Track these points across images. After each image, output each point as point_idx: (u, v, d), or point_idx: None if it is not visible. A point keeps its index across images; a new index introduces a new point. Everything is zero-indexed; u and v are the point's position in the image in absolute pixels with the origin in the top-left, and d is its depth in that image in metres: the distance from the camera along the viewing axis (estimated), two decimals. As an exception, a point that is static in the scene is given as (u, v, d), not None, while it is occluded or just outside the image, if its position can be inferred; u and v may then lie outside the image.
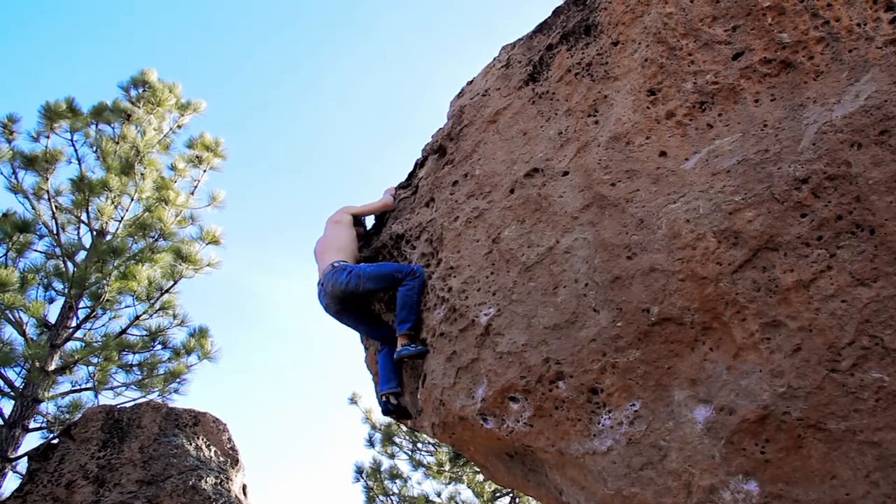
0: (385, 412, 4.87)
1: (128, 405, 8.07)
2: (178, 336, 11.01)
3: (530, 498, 4.62)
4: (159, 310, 10.87)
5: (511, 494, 12.44)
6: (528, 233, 3.99)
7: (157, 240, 11.07)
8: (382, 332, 4.97)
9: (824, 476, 2.79)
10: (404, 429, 12.91)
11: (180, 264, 10.79)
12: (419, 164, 5.55)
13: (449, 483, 12.95)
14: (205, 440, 7.94)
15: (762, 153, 3.19)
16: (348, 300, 4.84)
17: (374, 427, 13.37)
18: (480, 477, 12.43)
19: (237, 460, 8.19)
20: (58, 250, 10.76)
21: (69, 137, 11.33)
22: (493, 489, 12.56)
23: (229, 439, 8.33)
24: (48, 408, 9.94)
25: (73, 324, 10.41)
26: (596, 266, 3.58)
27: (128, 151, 11.16)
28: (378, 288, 4.76)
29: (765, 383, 2.94)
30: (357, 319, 5.00)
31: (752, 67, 3.41)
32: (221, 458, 7.96)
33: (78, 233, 11.12)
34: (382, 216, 5.71)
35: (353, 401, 13.59)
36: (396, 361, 4.60)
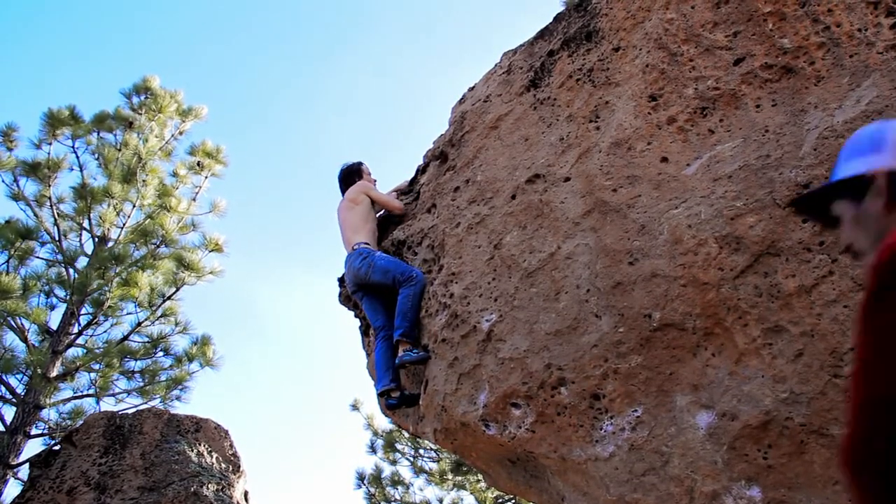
0: (388, 407, 4.83)
1: (129, 412, 8.07)
2: (179, 343, 11.02)
3: (532, 504, 4.60)
4: (161, 317, 10.87)
5: (513, 501, 12.40)
6: (530, 238, 3.99)
7: (158, 246, 11.08)
8: (380, 321, 4.95)
9: (827, 482, 2.78)
10: (406, 435, 12.89)
11: (182, 271, 10.79)
12: (421, 171, 5.56)
13: (451, 489, 12.92)
14: (206, 446, 7.93)
15: (763, 158, 3.20)
16: (363, 285, 4.98)
17: (375, 433, 13.32)
18: (483, 483, 12.40)
19: (239, 466, 8.18)
20: (60, 257, 10.77)
21: (71, 145, 11.37)
22: (495, 495, 12.52)
23: (231, 445, 8.32)
24: (50, 414, 9.94)
25: (75, 330, 10.41)
26: (597, 272, 3.58)
27: (129, 158, 11.18)
28: (382, 282, 4.83)
29: (767, 389, 2.93)
30: (367, 301, 5.05)
31: (753, 73, 3.42)
32: (223, 465, 7.95)
33: (80, 240, 11.15)
34: (384, 224, 5.69)
35: (354, 407, 13.55)
36: (398, 364, 4.60)
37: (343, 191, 5.65)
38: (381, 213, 5.61)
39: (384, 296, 4.96)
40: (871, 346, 1.18)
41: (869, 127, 1.58)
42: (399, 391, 4.73)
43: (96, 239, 11.10)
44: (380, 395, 4.83)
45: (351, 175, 5.68)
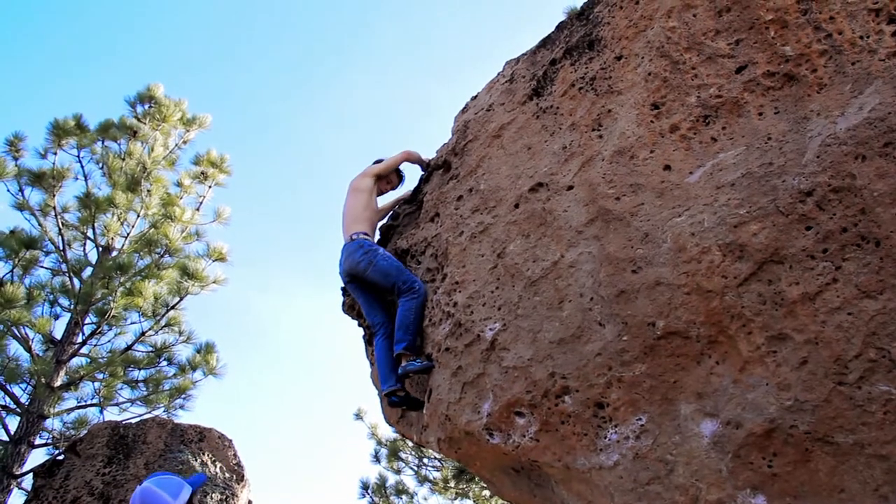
0: (391, 405, 4.79)
1: (133, 421, 8.07)
2: (183, 352, 11.03)
3: (537, 513, 4.58)
4: (165, 326, 10.88)
5: (517, 510, 12.34)
6: (533, 247, 3.99)
7: (162, 256, 11.10)
8: (379, 318, 4.94)
9: (832, 490, 2.77)
10: (410, 444, 12.86)
11: (186, 281, 10.81)
12: (424, 180, 5.57)
13: (455, 498, 12.88)
14: (210, 456, 7.92)
15: (766, 166, 3.20)
16: (358, 278, 4.96)
17: (379, 442, 13.30)
18: (486, 492, 12.36)
19: (243, 476, 8.17)
20: (64, 267, 10.80)
21: (76, 154, 11.42)
22: (498, 504, 12.49)
23: (235, 455, 8.31)
24: (54, 424, 9.95)
25: (79, 340, 10.42)
26: (601, 280, 3.58)
27: (134, 168, 11.21)
28: (380, 282, 4.81)
29: (771, 397, 2.92)
30: (361, 295, 5.04)
31: (755, 81, 3.42)
32: (227, 474, 7.93)
33: (84, 249, 11.19)
34: (387, 233, 5.69)
35: (358, 416, 13.55)
36: (401, 374, 4.58)
37: None
38: (393, 206, 5.74)
39: (378, 291, 4.95)
40: None
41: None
42: (404, 391, 4.72)
43: (100, 248, 11.13)
44: (385, 395, 4.81)
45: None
